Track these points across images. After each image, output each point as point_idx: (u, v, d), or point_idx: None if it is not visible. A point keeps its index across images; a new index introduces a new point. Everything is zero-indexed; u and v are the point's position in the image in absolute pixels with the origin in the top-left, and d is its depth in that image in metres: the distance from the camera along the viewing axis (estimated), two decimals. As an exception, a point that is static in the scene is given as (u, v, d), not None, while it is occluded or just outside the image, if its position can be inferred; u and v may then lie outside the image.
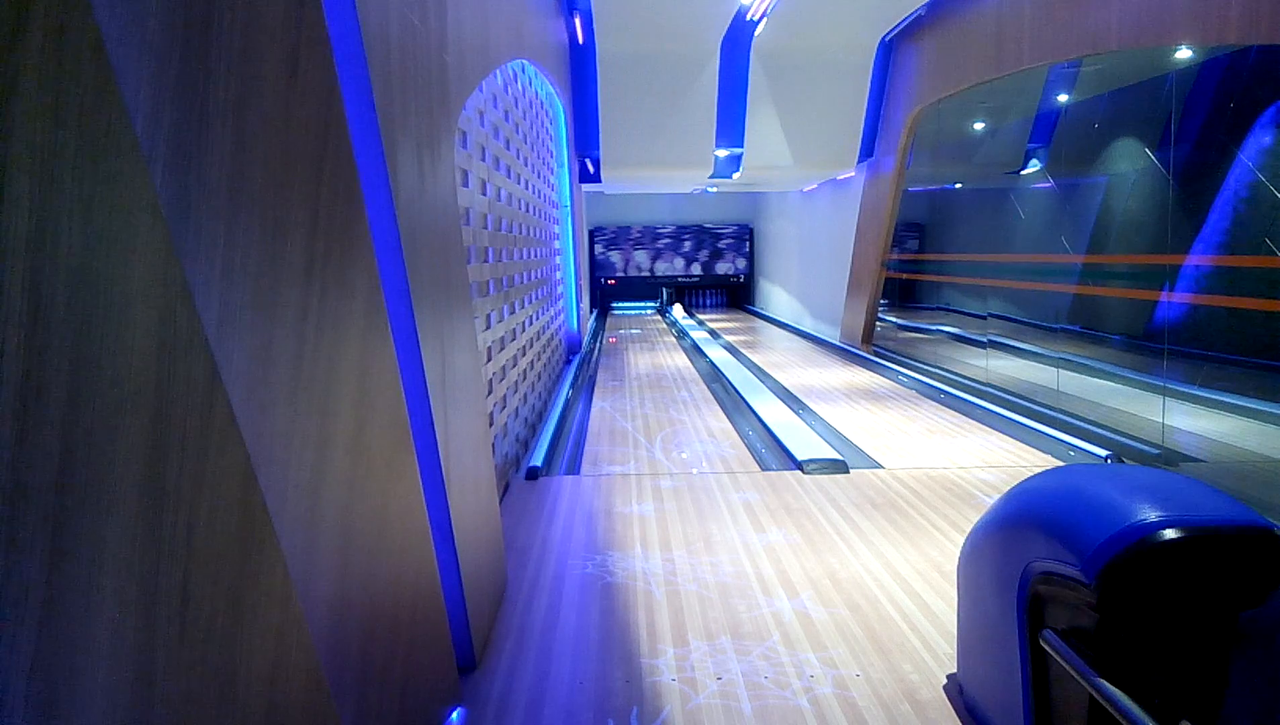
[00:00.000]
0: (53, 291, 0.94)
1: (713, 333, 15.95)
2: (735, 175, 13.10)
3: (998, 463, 5.79)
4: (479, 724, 2.63)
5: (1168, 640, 1.80)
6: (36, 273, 0.92)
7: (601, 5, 9.67)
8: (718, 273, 22.82)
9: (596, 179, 12.43)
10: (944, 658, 2.99)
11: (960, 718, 2.61)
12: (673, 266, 22.81)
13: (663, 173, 13.73)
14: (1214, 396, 5.42)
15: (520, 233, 6.53)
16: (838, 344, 12.89)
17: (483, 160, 4.95)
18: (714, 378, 9.98)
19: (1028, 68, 7.83)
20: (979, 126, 9.77)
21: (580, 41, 10.89)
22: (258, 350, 1.39)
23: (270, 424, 1.42)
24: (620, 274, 22.69)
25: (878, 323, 12.13)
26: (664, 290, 22.75)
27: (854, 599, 3.51)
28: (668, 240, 22.75)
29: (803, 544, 4.18)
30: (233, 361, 1.28)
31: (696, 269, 22.78)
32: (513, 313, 6.00)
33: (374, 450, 1.97)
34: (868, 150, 12.12)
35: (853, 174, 12.97)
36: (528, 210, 7.12)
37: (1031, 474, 2.70)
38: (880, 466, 5.72)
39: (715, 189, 17.28)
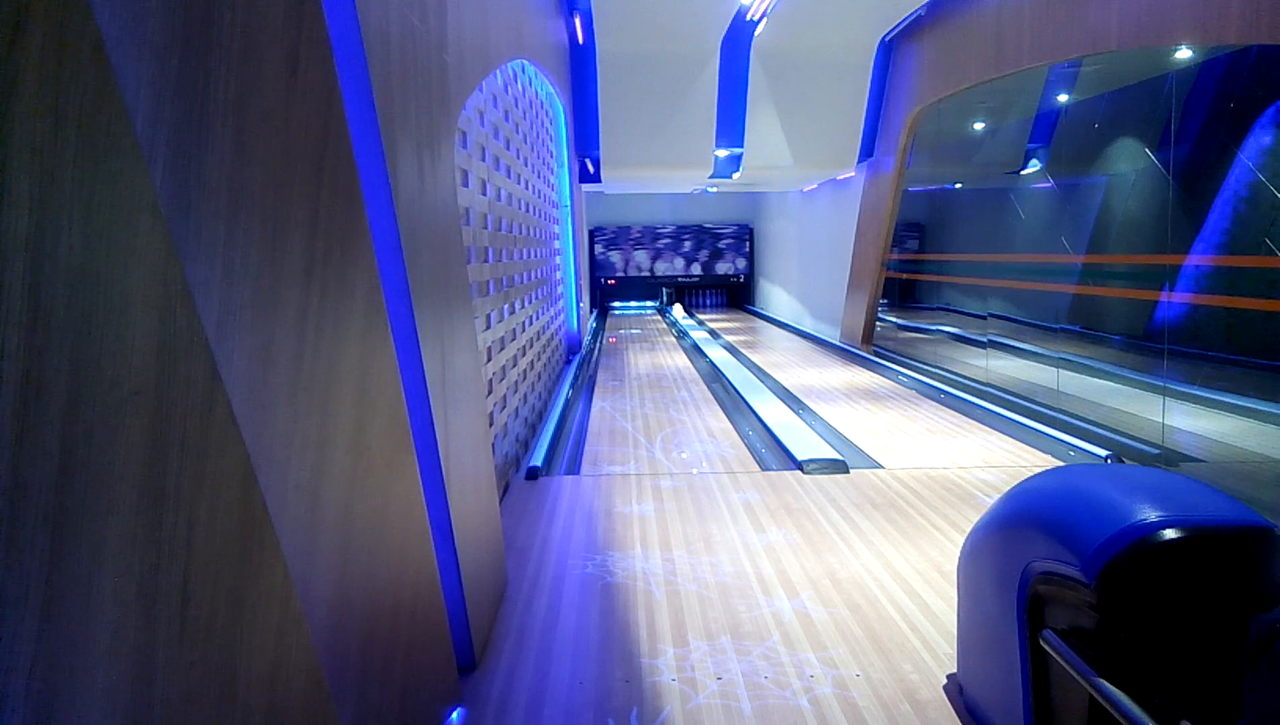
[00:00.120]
0: (53, 291, 0.94)
1: (713, 333, 15.96)
2: (735, 175, 13.10)
3: (998, 463, 5.79)
4: (479, 724, 2.63)
5: (1170, 641, 1.80)
6: (36, 273, 0.92)
7: (601, 5, 9.67)
8: (718, 273, 22.82)
9: (596, 179, 12.43)
10: (944, 658, 2.99)
11: (960, 718, 2.61)
12: (673, 266, 22.81)
13: (663, 173, 13.73)
14: (1214, 396, 5.42)
15: (520, 233, 6.53)
16: (838, 344, 12.89)
17: (483, 160, 4.95)
18: (714, 378, 9.98)
19: (1028, 68, 7.83)
20: (979, 126, 9.77)
21: (580, 41, 10.89)
22: (258, 350, 1.39)
23: (270, 424, 1.42)
24: (620, 274, 22.69)
25: (878, 323, 12.13)
26: (664, 290, 22.75)
27: (854, 599, 3.51)
28: (668, 240, 22.74)
29: (803, 544, 4.18)
30: (233, 361, 1.28)
31: (696, 269, 22.78)
32: (513, 313, 6.00)
33: (374, 450, 1.97)
34: (868, 150, 12.12)
35: (853, 174, 12.97)
36: (528, 210, 7.12)
37: (1031, 474, 2.70)
38: (880, 466, 5.72)
39: (715, 189, 17.28)
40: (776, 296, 19.60)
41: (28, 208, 0.91)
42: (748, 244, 22.68)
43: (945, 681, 2.83)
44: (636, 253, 22.73)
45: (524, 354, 6.56)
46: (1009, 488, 2.52)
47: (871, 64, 11.44)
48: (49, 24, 0.93)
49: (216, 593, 1.23)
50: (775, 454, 6.14)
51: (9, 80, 0.89)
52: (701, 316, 20.20)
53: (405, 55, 2.53)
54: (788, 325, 17.02)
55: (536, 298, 7.60)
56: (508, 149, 6.01)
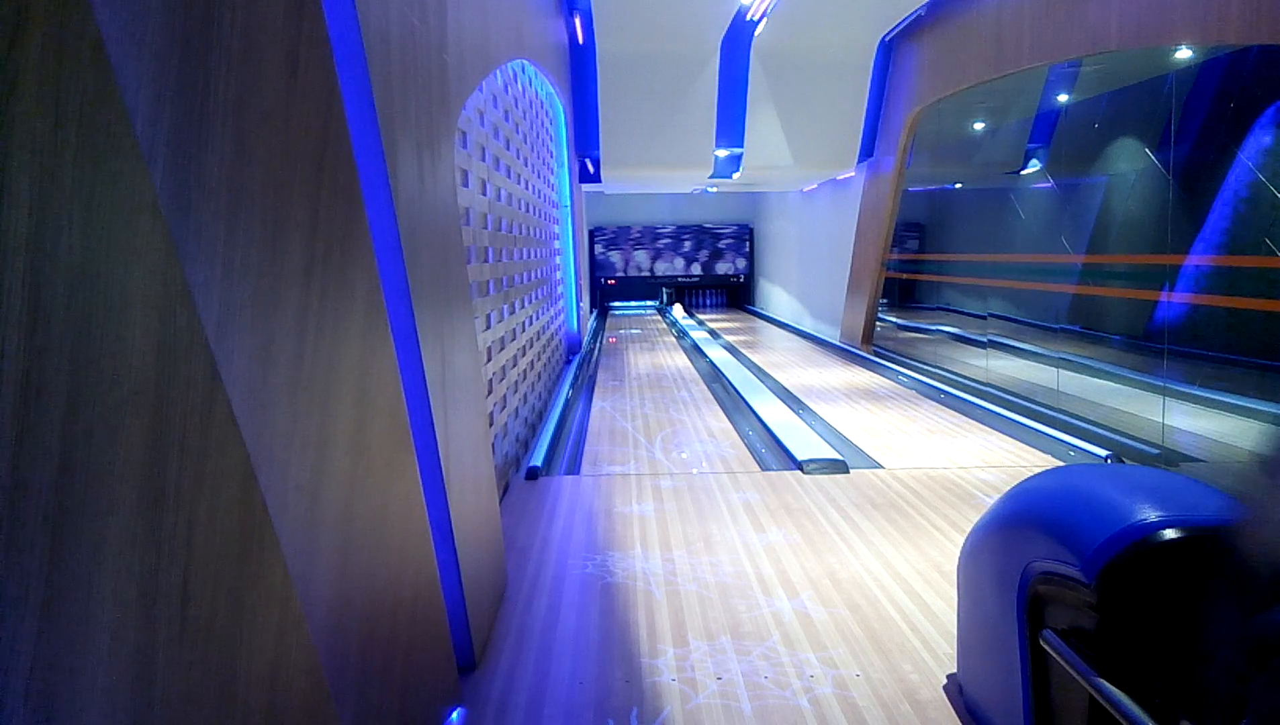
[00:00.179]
0: (53, 291, 0.94)
1: (713, 333, 15.96)
2: (735, 175, 13.10)
3: (998, 463, 5.79)
4: (479, 724, 2.63)
5: (1170, 641, 1.80)
6: (36, 273, 0.92)
7: (601, 5, 9.67)
8: (718, 273, 22.82)
9: (596, 179, 12.43)
10: (944, 658, 2.99)
11: (960, 718, 2.61)
12: (673, 266, 22.81)
13: (663, 173, 13.73)
14: (1214, 396, 5.42)
15: (520, 233, 6.53)
16: (838, 344, 12.89)
17: (483, 160, 4.95)
18: (714, 378, 9.98)
19: (1028, 68, 7.83)
20: (979, 126, 9.77)
21: (580, 41, 10.89)
22: (258, 350, 1.39)
23: (270, 424, 1.42)
24: (620, 274, 22.69)
25: (878, 323, 12.13)
26: (664, 290, 22.75)
27: (854, 599, 3.51)
28: (668, 240, 22.75)
29: (803, 544, 4.18)
30: (233, 361, 1.28)
31: (696, 269, 22.78)
32: (513, 313, 6.00)
33: (374, 450, 1.97)
34: (868, 150, 12.12)
35: (853, 174, 12.97)
36: (528, 210, 7.12)
37: (1031, 474, 2.70)
38: (880, 466, 5.72)
39: (715, 189, 17.28)
40: (776, 296, 19.60)
41: (28, 208, 0.91)
42: (748, 244, 22.68)
43: (945, 681, 2.83)
44: (636, 253, 22.73)
45: (524, 354, 6.56)
46: (1009, 488, 2.52)
47: (871, 64, 11.44)
48: (49, 24, 0.93)
49: (216, 593, 1.23)
50: (775, 454, 6.14)
51: (9, 80, 0.89)
52: (701, 316, 20.20)
53: (405, 55, 2.53)
54: (788, 325, 17.02)
55: (536, 298, 7.60)
56: (508, 149, 6.01)
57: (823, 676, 2.88)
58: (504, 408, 5.42)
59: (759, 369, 10.75)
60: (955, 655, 2.87)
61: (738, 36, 11.00)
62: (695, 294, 22.90)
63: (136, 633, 1.06)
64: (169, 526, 1.12)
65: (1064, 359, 7.17)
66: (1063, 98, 7.66)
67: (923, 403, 8.15)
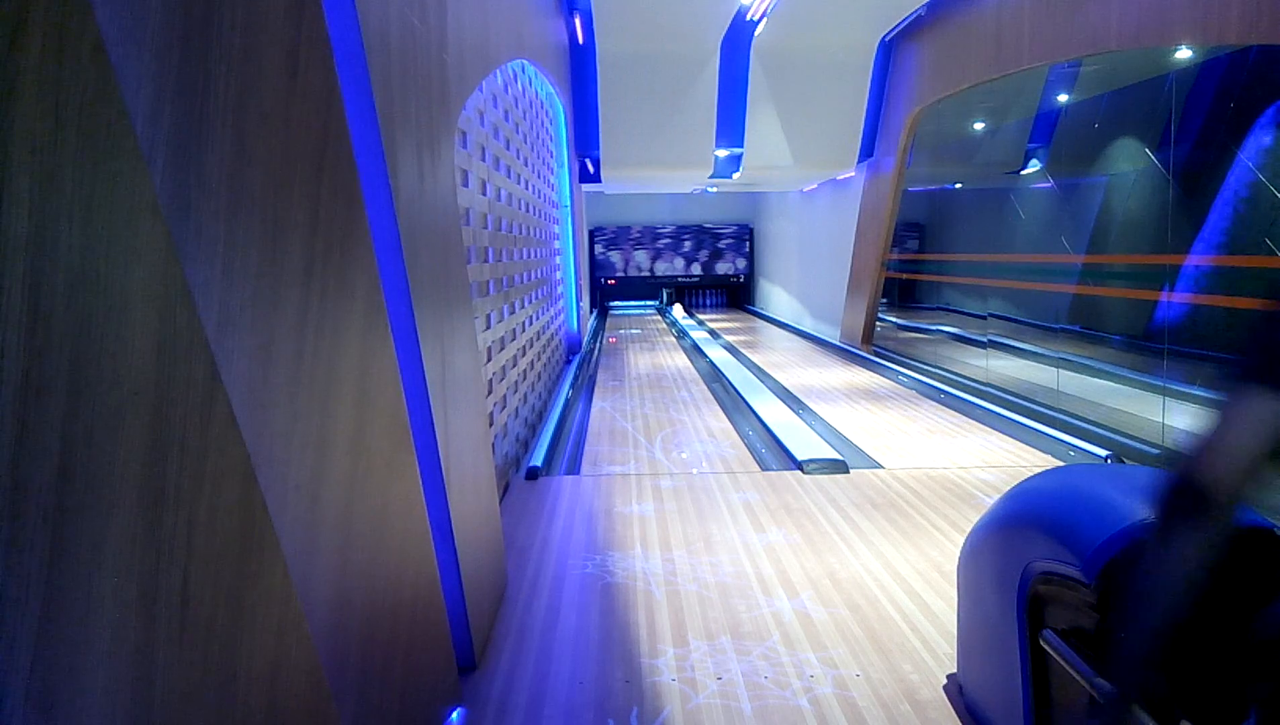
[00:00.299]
0: (53, 291, 0.94)
1: (713, 333, 15.96)
2: (735, 175, 13.10)
3: (998, 463, 5.79)
4: (479, 724, 2.63)
5: (1170, 641, 1.79)
6: (36, 273, 0.92)
7: (601, 5, 9.66)
8: (718, 273, 22.82)
9: (596, 179, 12.43)
10: (944, 658, 2.99)
11: (960, 718, 2.61)
12: (673, 266, 22.81)
13: (663, 173, 13.73)
14: (1214, 397, 5.42)
15: (520, 233, 6.53)
16: (838, 344, 12.89)
17: (483, 160, 4.95)
18: (714, 378, 9.98)
19: (1028, 68, 7.83)
20: (979, 126, 9.77)
21: (580, 41, 10.89)
22: (258, 350, 1.39)
23: (270, 424, 1.42)
24: (620, 274, 22.69)
25: (878, 323, 12.13)
26: (664, 290, 22.75)
27: (854, 599, 3.51)
28: (668, 240, 22.75)
29: (803, 544, 4.18)
30: (233, 361, 1.28)
31: (696, 269, 22.78)
32: (513, 313, 6.00)
33: (374, 450, 1.97)
34: (868, 150, 12.12)
35: (853, 174, 12.97)
36: (528, 210, 7.12)
37: (1031, 474, 2.70)
38: (880, 466, 5.72)
39: (715, 189, 17.28)
40: (776, 296, 19.60)
41: (28, 208, 0.91)
42: (748, 244, 22.68)
43: (945, 681, 2.83)
44: (636, 253, 22.73)
45: (524, 354, 6.56)
46: (1009, 488, 2.52)
47: (871, 64, 11.44)
48: (49, 24, 0.93)
49: (216, 593, 1.23)
50: (775, 454, 6.14)
51: (9, 80, 0.89)
52: (701, 316, 20.20)
53: (405, 55, 2.53)
54: (788, 325, 17.02)
55: (536, 298, 7.60)
56: (508, 149, 6.01)
57: (823, 676, 2.88)
58: (504, 408, 5.42)
59: (759, 369, 10.75)
60: (955, 655, 2.87)
61: (738, 36, 11.00)
62: (695, 294, 22.90)
63: (136, 633, 1.06)
64: (169, 526, 1.12)
65: (1064, 359, 7.17)
66: (1063, 98, 7.66)
67: (923, 403, 8.15)
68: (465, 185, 4.34)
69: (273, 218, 1.47)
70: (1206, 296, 5.46)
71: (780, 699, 2.74)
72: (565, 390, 8.64)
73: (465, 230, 4.17)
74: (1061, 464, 5.71)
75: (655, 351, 12.92)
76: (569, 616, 3.38)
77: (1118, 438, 6.18)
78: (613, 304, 22.60)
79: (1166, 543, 1.05)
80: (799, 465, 5.61)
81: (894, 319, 11.85)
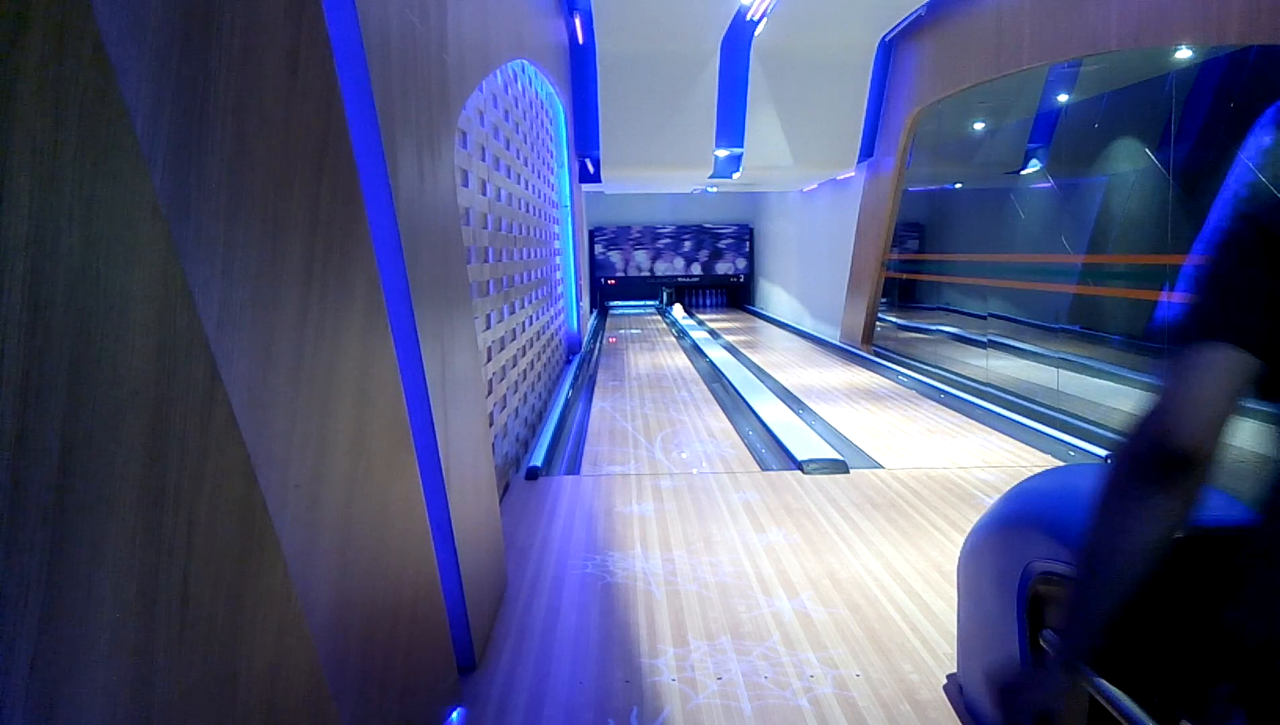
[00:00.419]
0: (53, 291, 0.94)
1: (713, 333, 15.96)
2: (735, 175, 13.10)
3: (998, 463, 5.79)
4: (479, 724, 2.63)
5: (1170, 641, 1.79)
6: (36, 273, 0.92)
7: (601, 5, 9.66)
8: (718, 273, 22.83)
9: (596, 179, 12.43)
10: (944, 658, 2.99)
11: (960, 718, 2.61)
12: (673, 266, 22.81)
13: (663, 173, 13.73)
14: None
15: (520, 233, 6.53)
16: (838, 344, 12.89)
17: (483, 160, 4.95)
18: (714, 378, 9.98)
19: (1028, 68, 7.83)
20: (979, 126, 9.77)
21: (580, 41, 10.89)
22: (258, 350, 1.39)
23: (270, 424, 1.42)
24: (620, 274, 22.69)
25: (878, 323, 12.13)
26: (664, 290, 22.75)
27: (854, 599, 3.51)
28: (668, 240, 22.75)
29: (803, 544, 4.17)
30: (233, 361, 1.28)
31: (696, 269, 22.79)
32: (513, 313, 6.00)
33: (374, 450, 1.97)
34: (868, 150, 12.12)
35: (853, 174, 12.97)
36: (528, 210, 7.12)
37: (1031, 474, 2.70)
38: (880, 466, 5.72)
39: (715, 189, 17.28)
40: (776, 296, 19.60)
41: (28, 208, 0.91)
42: (748, 244, 22.68)
43: (945, 681, 2.83)
44: (636, 253, 22.73)
45: (524, 354, 6.56)
46: (1009, 488, 2.52)
47: (871, 64, 11.44)
48: (49, 24, 0.93)
49: (216, 593, 1.23)
50: (775, 454, 6.14)
51: (9, 80, 0.89)
52: (701, 316, 20.20)
53: (405, 55, 2.53)
54: (788, 325, 17.02)
55: (536, 298, 7.60)
56: (508, 149, 6.01)
57: (823, 676, 2.88)
58: (504, 408, 5.42)
59: (759, 369, 10.75)
60: (955, 655, 2.87)
61: (738, 36, 11.00)
62: (695, 294, 22.90)
63: (136, 633, 1.06)
64: (169, 526, 1.12)
65: (1064, 359, 7.17)
66: (1063, 98, 7.66)
67: (923, 403, 8.15)
68: (465, 185, 4.34)
69: (273, 218, 1.47)
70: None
71: (780, 699, 2.74)
72: (565, 390, 8.64)
73: (465, 230, 4.17)
74: (1061, 464, 5.71)
75: (655, 351, 12.92)
76: (569, 616, 3.38)
77: (1118, 438, 6.18)
78: (613, 304, 22.60)
79: (1130, 506, 1.00)
80: (799, 465, 5.61)
81: (894, 319, 11.85)
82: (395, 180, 2.31)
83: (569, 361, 10.83)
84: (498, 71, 5.52)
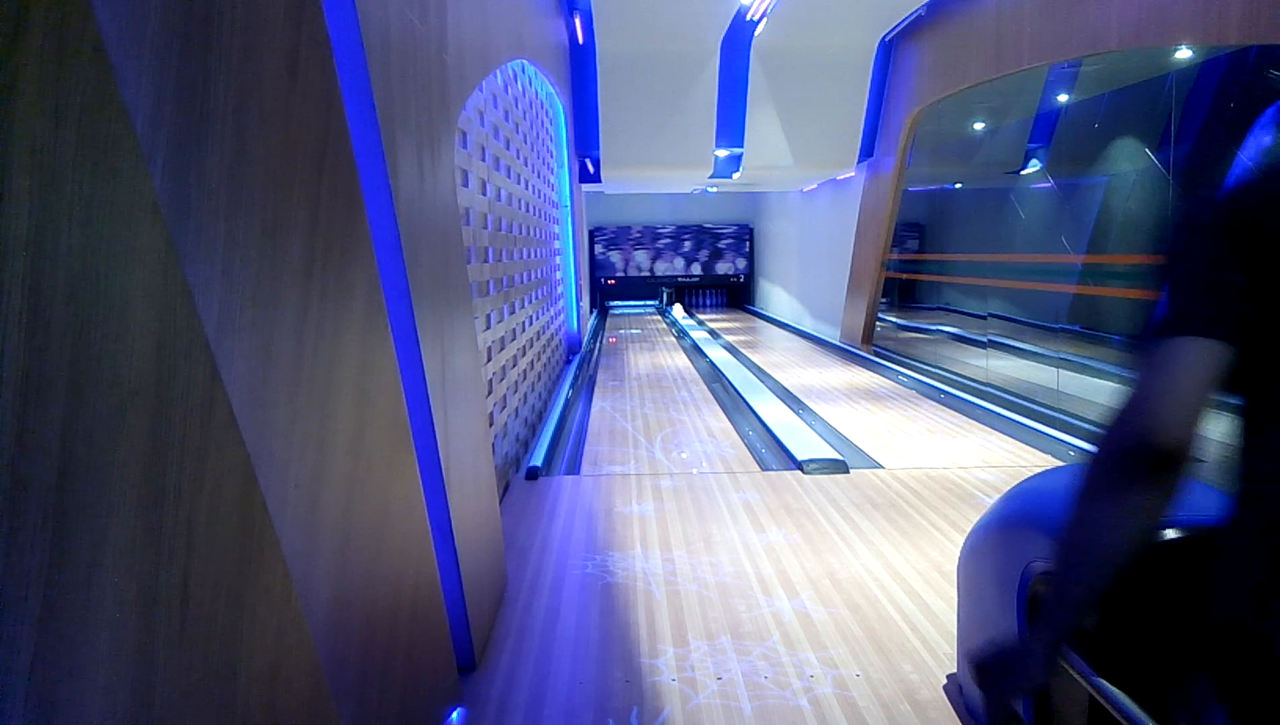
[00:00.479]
0: (53, 291, 0.94)
1: (713, 333, 15.96)
2: (735, 175, 13.10)
3: (998, 463, 5.79)
4: (479, 724, 2.63)
5: (1170, 641, 1.80)
6: (36, 273, 0.92)
7: (601, 5, 9.67)
8: (718, 273, 22.83)
9: (596, 179, 12.43)
10: (944, 658, 2.99)
11: (960, 718, 2.61)
12: (673, 266, 22.81)
13: (663, 173, 13.73)
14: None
15: (520, 233, 6.53)
16: (838, 344, 12.89)
17: (483, 160, 4.95)
18: (714, 378, 9.99)
19: (1028, 68, 7.83)
20: (979, 126, 9.77)
21: (580, 41, 10.89)
22: (258, 350, 1.39)
23: (270, 424, 1.42)
24: (620, 274, 22.70)
25: (878, 323, 12.13)
26: (664, 290, 22.75)
27: (854, 599, 3.51)
28: (668, 240, 22.75)
29: (803, 544, 4.18)
30: (233, 361, 1.28)
31: (696, 269, 22.79)
32: (513, 313, 6.00)
33: (374, 450, 1.97)
34: (868, 150, 12.12)
35: (853, 174, 12.97)
36: (528, 210, 7.12)
37: (1031, 474, 2.70)
38: (880, 466, 5.72)
39: (715, 189, 17.28)
40: (776, 296, 19.60)
41: (28, 208, 0.91)
42: (748, 244, 22.67)
43: (945, 681, 2.83)
44: (636, 253, 22.73)
45: (524, 354, 6.56)
46: (1009, 488, 2.52)
47: (871, 64, 11.44)
48: (49, 24, 0.93)
49: (216, 593, 1.23)
50: (775, 454, 6.14)
51: (9, 80, 0.89)
52: (701, 316, 20.20)
53: (405, 55, 2.53)
54: (788, 325, 17.02)
55: (536, 298, 7.60)
56: (508, 149, 6.01)
57: (823, 676, 2.88)
58: (504, 408, 5.42)
59: (759, 369, 10.75)
60: (955, 655, 2.87)
61: (738, 36, 11.00)
62: (695, 294, 22.90)
63: (136, 633, 1.06)
64: (169, 526, 1.12)
65: (1064, 359, 7.17)
66: (1063, 98, 7.66)
67: (923, 403, 8.15)
68: (465, 185, 4.34)
69: (273, 218, 1.47)
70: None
71: (780, 699, 2.74)
72: (565, 390, 8.64)
73: (465, 230, 4.17)
74: (1061, 464, 5.71)
75: (655, 351, 12.92)
76: (569, 616, 3.38)
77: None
78: (613, 304, 22.60)
79: (1108, 502, 0.99)
80: (799, 465, 5.61)
81: (894, 319, 11.85)
82: (395, 180, 2.31)
83: (569, 361, 10.83)
84: (498, 71, 5.52)
